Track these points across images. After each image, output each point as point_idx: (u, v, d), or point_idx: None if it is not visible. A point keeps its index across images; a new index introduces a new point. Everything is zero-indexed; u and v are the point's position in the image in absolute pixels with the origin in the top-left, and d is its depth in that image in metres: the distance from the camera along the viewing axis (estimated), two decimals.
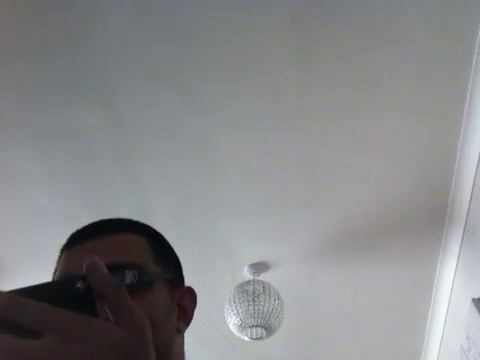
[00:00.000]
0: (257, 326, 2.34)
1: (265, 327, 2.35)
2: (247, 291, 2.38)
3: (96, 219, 0.68)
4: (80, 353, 0.33)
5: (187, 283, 0.71)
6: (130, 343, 0.35)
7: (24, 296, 0.35)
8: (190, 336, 0.68)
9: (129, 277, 0.57)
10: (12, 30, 1.62)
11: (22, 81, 1.76)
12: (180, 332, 0.64)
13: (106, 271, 0.39)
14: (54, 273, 0.64)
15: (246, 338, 2.39)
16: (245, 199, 2.22)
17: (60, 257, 0.65)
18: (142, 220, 0.71)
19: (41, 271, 0.65)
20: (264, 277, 2.52)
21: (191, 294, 0.69)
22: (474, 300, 2.08)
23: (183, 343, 0.67)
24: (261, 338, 2.39)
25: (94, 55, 1.70)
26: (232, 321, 2.37)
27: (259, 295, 2.36)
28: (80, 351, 0.33)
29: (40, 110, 1.85)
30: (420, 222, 2.32)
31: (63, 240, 0.66)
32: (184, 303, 0.66)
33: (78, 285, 0.37)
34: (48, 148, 1.98)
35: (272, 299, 2.37)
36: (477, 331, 2.04)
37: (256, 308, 2.33)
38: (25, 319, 0.33)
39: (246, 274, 2.54)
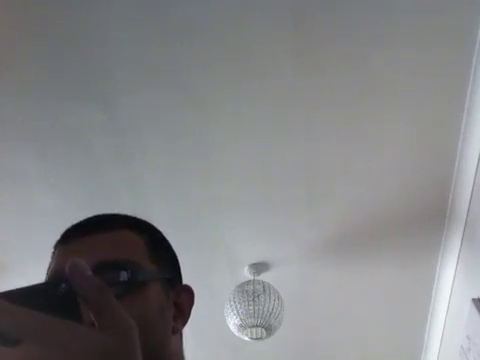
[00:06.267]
0: (257, 326, 2.34)
1: (265, 327, 2.35)
2: (247, 291, 2.38)
3: None
4: None
5: (187, 283, 0.70)
6: (114, 349, 0.34)
7: (7, 300, 0.33)
8: (190, 336, 0.68)
9: (123, 276, 0.56)
10: (12, 30, 1.62)
11: (22, 81, 1.76)
12: (177, 331, 0.63)
13: (89, 273, 0.37)
14: (48, 270, 0.62)
15: (246, 338, 2.39)
16: (245, 199, 2.22)
17: (54, 253, 0.63)
18: None
19: (42, 271, 0.65)
20: (264, 277, 2.52)
21: (188, 292, 0.68)
22: (474, 300, 2.08)
23: (182, 342, 0.66)
24: (261, 338, 2.39)
25: (94, 55, 1.70)
26: (232, 321, 2.37)
27: (259, 295, 2.36)
28: (60, 359, 0.32)
29: (40, 110, 1.85)
30: (420, 222, 2.32)
31: None
32: (181, 301, 0.65)
33: (62, 287, 0.36)
34: (48, 148, 1.98)
35: (272, 299, 2.37)
36: (477, 331, 2.04)
37: (256, 308, 2.33)
38: (2, 325, 0.32)
39: (246, 274, 2.54)
